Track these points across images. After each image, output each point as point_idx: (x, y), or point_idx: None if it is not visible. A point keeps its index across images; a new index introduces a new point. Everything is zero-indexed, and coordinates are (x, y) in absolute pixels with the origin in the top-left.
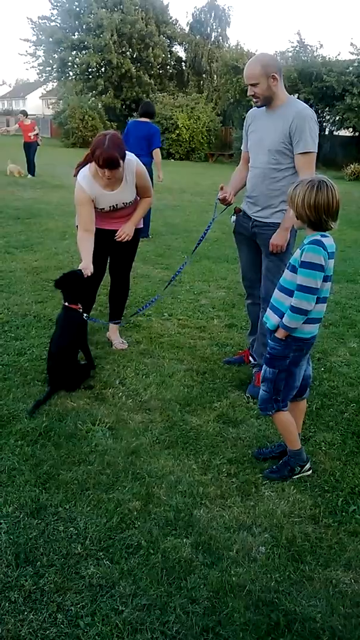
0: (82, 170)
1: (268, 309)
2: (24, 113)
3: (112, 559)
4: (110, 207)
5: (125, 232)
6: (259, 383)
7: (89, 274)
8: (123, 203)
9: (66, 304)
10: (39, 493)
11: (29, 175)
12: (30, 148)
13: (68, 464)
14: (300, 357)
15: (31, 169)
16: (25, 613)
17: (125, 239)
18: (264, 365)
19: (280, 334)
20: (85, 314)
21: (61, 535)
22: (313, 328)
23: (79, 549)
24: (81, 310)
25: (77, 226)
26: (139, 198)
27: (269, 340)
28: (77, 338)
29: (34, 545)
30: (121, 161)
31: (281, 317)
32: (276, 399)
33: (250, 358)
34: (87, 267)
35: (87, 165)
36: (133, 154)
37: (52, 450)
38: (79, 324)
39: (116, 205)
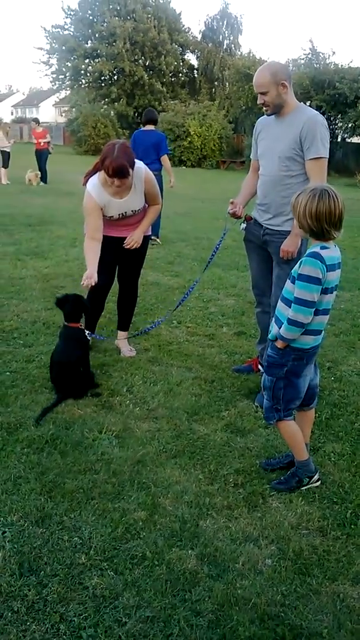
0: (91, 179)
1: (272, 320)
2: (36, 121)
3: (117, 569)
4: (119, 214)
5: (134, 239)
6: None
7: (93, 284)
8: (132, 211)
9: (66, 323)
10: (44, 502)
11: (41, 183)
12: (41, 156)
13: (74, 472)
14: (301, 367)
15: (43, 176)
16: (28, 623)
17: (134, 247)
18: (264, 373)
19: (279, 344)
20: (87, 332)
21: (65, 545)
22: (313, 340)
23: (83, 559)
24: (82, 327)
25: (85, 234)
26: (147, 206)
27: (268, 349)
28: (79, 354)
29: (38, 554)
30: (130, 170)
31: (281, 326)
32: (277, 407)
33: (260, 366)
34: (91, 276)
35: (97, 174)
36: (142, 162)
37: (58, 458)
38: (81, 341)
39: (125, 213)
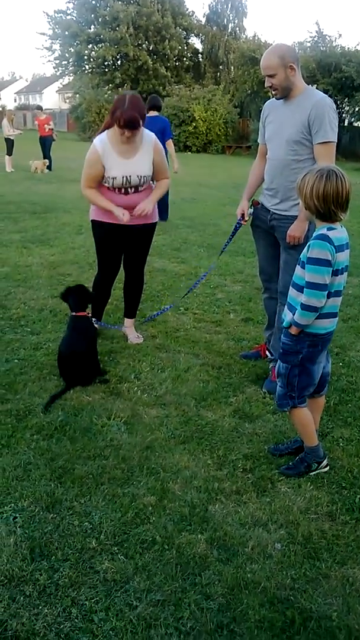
0: (100, 135)
1: (284, 306)
2: (39, 108)
3: (127, 554)
4: (123, 178)
5: (142, 208)
6: (275, 378)
7: (128, 218)
8: (137, 176)
9: (73, 313)
10: (54, 487)
11: (46, 170)
12: (45, 142)
13: (83, 458)
14: (316, 353)
15: (48, 163)
16: (40, 607)
17: (144, 214)
18: (278, 360)
19: (293, 330)
20: (95, 319)
21: (76, 530)
22: (328, 323)
23: (93, 543)
24: (89, 315)
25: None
26: (154, 183)
27: (282, 335)
28: (88, 343)
29: (49, 539)
30: (141, 122)
31: (294, 313)
32: (291, 395)
33: (267, 353)
34: (121, 212)
35: (106, 131)
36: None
37: (68, 444)
38: (89, 329)
39: (129, 177)
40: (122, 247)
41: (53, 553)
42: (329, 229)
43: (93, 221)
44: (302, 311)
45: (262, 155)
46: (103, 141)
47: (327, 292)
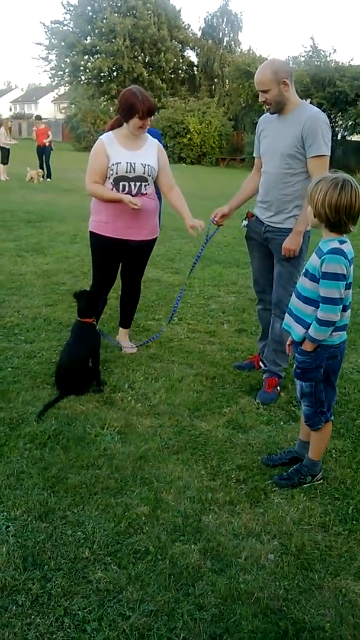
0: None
1: (289, 317)
2: (39, 117)
3: (120, 564)
4: (127, 164)
5: (199, 223)
6: (269, 389)
7: (139, 204)
8: (142, 164)
9: (79, 319)
10: (47, 497)
11: (48, 180)
12: (44, 152)
13: (76, 467)
14: (336, 364)
15: (48, 172)
16: (32, 617)
17: (201, 225)
18: (298, 381)
19: (308, 346)
20: (98, 329)
21: (69, 539)
22: (341, 335)
23: (86, 553)
24: (95, 323)
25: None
26: (162, 190)
27: (296, 355)
28: (90, 350)
29: (42, 548)
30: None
31: (307, 327)
32: (321, 410)
33: (261, 363)
34: (131, 200)
35: (111, 131)
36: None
37: (61, 453)
38: (92, 336)
39: (134, 164)
40: (119, 261)
41: (46, 562)
42: (341, 242)
43: (92, 233)
44: (320, 327)
45: (257, 168)
46: (108, 135)
47: (342, 305)
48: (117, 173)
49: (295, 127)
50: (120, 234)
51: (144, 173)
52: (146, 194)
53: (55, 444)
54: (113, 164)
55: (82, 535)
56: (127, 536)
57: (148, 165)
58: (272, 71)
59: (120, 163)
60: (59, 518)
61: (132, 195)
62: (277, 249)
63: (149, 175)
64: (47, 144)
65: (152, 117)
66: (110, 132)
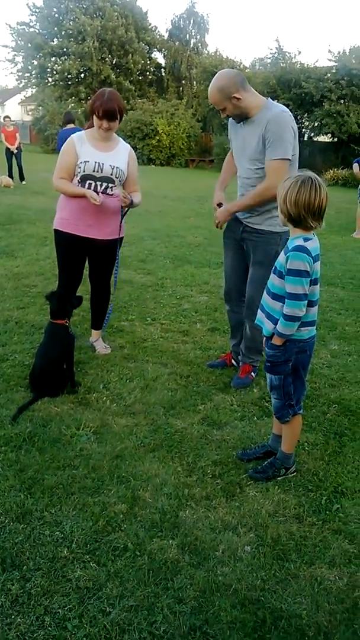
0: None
1: (261, 313)
2: (8, 118)
3: (99, 561)
4: (95, 163)
5: (126, 194)
6: (242, 374)
7: (102, 199)
8: (110, 165)
9: (52, 320)
10: (24, 498)
11: (23, 182)
12: (17, 155)
13: (53, 468)
14: (305, 358)
15: (20, 174)
16: (13, 617)
17: (125, 198)
18: (268, 374)
19: (277, 341)
20: (71, 330)
21: (47, 540)
22: (310, 330)
23: (65, 552)
24: (68, 324)
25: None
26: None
27: (266, 348)
28: (64, 352)
29: (20, 549)
30: (119, 115)
31: (275, 323)
32: (290, 403)
33: (233, 361)
34: (92, 195)
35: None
36: None
37: (37, 455)
38: (65, 337)
39: (102, 164)
40: (83, 259)
41: (24, 563)
42: (306, 239)
43: (56, 230)
44: (286, 322)
45: (231, 155)
46: (79, 134)
47: (307, 301)
48: (84, 171)
49: (258, 129)
50: (83, 232)
51: (111, 174)
52: (112, 195)
53: (31, 446)
54: (81, 162)
55: (60, 535)
56: (106, 534)
57: (117, 167)
58: (219, 90)
59: (88, 162)
60: (37, 519)
61: (99, 193)
62: (253, 250)
63: (117, 177)
64: (15, 149)
65: (115, 121)
66: (83, 131)
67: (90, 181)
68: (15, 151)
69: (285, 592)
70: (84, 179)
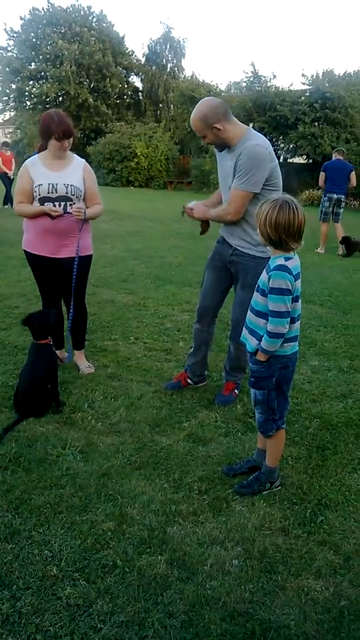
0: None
1: (245, 330)
2: (6, 144)
3: (89, 579)
4: (49, 185)
5: (80, 206)
6: (226, 392)
7: (60, 212)
8: (64, 184)
9: (35, 341)
10: (11, 518)
11: (7, 206)
12: (9, 179)
13: (40, 488)
14: (288, 374)
15: (8, 199)
16: (4, 636)
17: (79, 212)
18: (252, 389)
19: (261, 357)
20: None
21: (36, 559)
22: (292, 346)
23: (54, 571)
24: (51, 343)
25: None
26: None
27: (250, 364)
28: (48, 371)
29: (9, 569)
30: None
31: (259, 339)
32: (273, 418)
33: (188, 380)
34: (50, 208)
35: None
36: None
37: (23, 475)
38: (50, 356)
39: (56, 185)
40: (56, 279)
41: (14, 582)
42: (287, 258)
43: (24, 251)
44: (270, 339)
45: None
46: (32, 159)
47: (289, 318)
48: (40, 194)
49: (235, 159)
50: (49, 252)
51: (66, 193)
52: (71, 212)
53: (17, 466)
54: (36, 186)
55: (49, 553)
56: (94, 552)
57: (71, 185)
58: (200, 119)
59: (42, 185)
60: (25, 538)
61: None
62: (243, 273)
63: (73, 195)
64: (12, 175)
65: (71, 138)
66: (36, 155)
67: (48, 203)
68: (12, 177)
69: (274, 603)
70: (42, 202)
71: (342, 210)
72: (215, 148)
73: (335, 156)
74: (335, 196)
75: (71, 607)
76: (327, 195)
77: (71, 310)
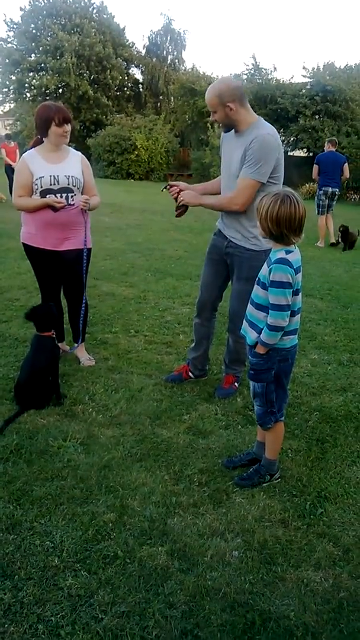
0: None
1: (245, 323)
2: (8, 136)
3: (90, 569)
4: (50, 177)
5: (86, 197)
6: (226, 385)
7: (64, 203)
8: (65, 176)
9: (38, 333)
10: (13, 509)
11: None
12: (13, 170)
13: (41, 480)
14: (288, 366)
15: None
16: (6, 625)
17: (85, 202)
18: (251, 382)
19: (260, 350)
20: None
21: (38, 549)
22: (292, 339)
23: (56, 561)
24: (54, 336)
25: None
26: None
27: (249, 356)
28: (49, 363)
29: (11, 559)
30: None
31: (259, 332)
32: (272, 410)
33: (190, 374)
34: (54, 200)
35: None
36: None
37: (24, 467)
38: (52, 349)
39: (57, 177)
40: (56, 270)
41: (16, 572)
42: (287, 252)
43: (23, 244)
44: (270, 332)
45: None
46: (30, 152)
47: (290, 311)
48: (42, 186)
49: (244, 146)
50: (51, 246)
51: (68, 184)
52: (73, 204)
53: (18, 458)
54: (37, 178)
55: (50, 544)
56: (96, 543)
57: (72, 176)
58: (216, 95)
59: (43, 177)
60: (27, 529)
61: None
62: (237, 265)
63: (74, 186)
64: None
65: (70, 125)
66: (33, 149)
67: (50, 195)
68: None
69: (273, 594)
70: (43, 194)
71: (334, 203)
72: (222, 128)
73: (327, 147)
74: (330, 190)
75: (72, 597)
76: (323, 189)
77: (83, 303)
